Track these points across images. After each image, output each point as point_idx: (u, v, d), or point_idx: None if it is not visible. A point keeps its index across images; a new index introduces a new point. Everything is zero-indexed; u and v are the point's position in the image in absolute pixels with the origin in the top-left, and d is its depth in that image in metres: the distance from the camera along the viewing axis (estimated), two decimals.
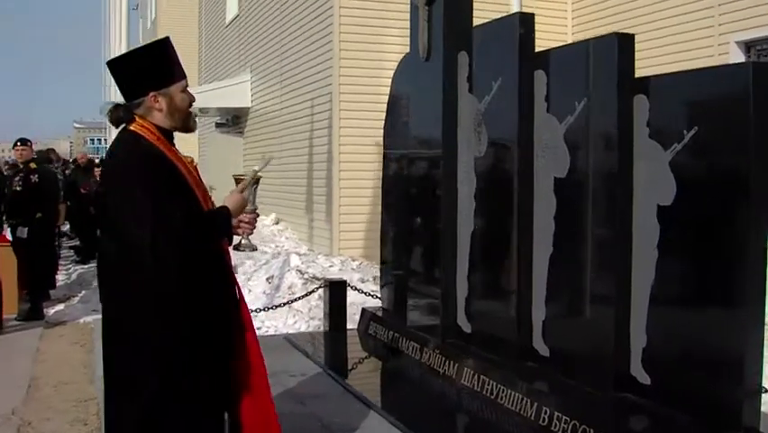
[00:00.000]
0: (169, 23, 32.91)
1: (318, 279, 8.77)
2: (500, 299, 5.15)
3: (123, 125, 3.35)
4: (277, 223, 14.23)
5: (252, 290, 9.19)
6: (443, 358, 5.44)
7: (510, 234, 4.97)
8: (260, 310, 7.78)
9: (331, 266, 9.73)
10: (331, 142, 11.57)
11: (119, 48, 8.25)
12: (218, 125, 19.03)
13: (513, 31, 4.85)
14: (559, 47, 4.90)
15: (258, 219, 3.73)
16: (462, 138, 5.49)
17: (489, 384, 4.89)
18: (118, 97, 3.53)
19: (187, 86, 3.41)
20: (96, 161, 17.52)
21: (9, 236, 9.01)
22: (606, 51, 4.26)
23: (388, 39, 10.28)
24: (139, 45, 3.52)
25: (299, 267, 9.39)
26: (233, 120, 17.89)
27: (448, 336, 5.59)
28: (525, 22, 4.83)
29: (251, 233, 3.65)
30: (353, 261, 10.30)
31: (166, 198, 3.13)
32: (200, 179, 3.51)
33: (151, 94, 3.29)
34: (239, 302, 3.60)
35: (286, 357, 6.22)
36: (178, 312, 3.19)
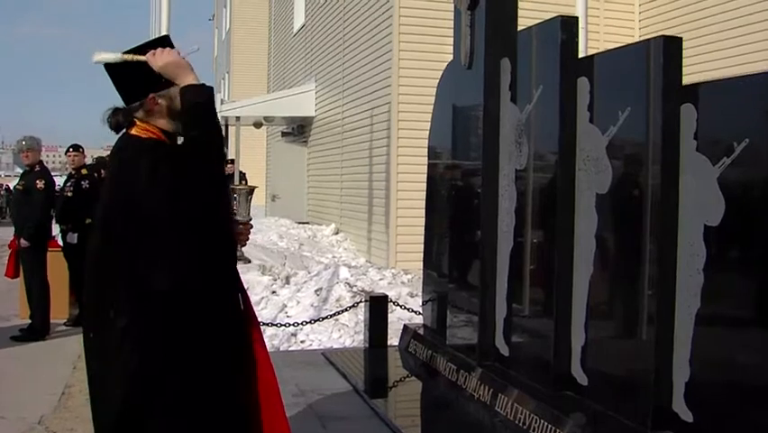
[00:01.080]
0: (242, 33, 33.39)
1: (367, 292, 8.55)
2: (538, 321, 4.83)
3: (123, 131, 3.17)
4: (336, 233, 14.11)
5: (301, 302, 9.03)
6: (479, 382, 5.13)
7: (549, 253, 4.65)
8: (305, 323, 7.59)
9: (381, 279, 9.49)
10: (389, 152, 11.39)
11: None
12: (284, 134, 19.07)
13: (554, 36, 4.54)
14: (603, 51, 4.56)
15: (251, 231, 3.50)
16: (504, 150, 5.19)
17: (521, 413, 4.56)
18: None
19: None
20: None
21: (60, 242, 9.03)
22: (650, 56, 3.92)
23: (447, 48, 9.99)
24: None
25: (348, 280, 9.18)
26: (299, 129, 17.87)
27: (485, 358, 5.28)
28: (567, 26, 4.51)
29: (244, 243, 3.44)
30: (406, 274, 10.04)
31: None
32: None
33: (151, 95, 3.09)
34: (250, 319, 3.34)
35: (319, 374, 6.00)
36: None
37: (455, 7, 5.68)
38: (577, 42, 4.54)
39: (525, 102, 4.88)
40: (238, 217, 3.38)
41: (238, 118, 17.55)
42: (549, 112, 4.61)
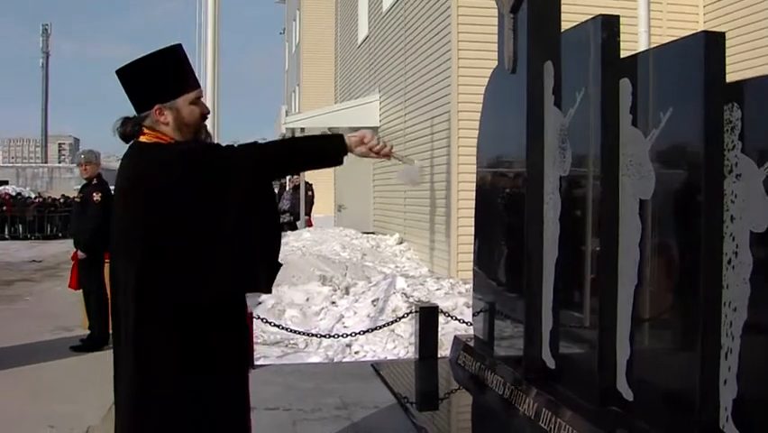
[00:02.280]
0: (311, 46, 33.66)
1: (423, 302, 8.43)
2: (583, 334, 4.64)
3: (133, 141, 3.13)
4: (400, 243, 14.02)
5: (358, 313, 8.97)
6: (524, 396, 4.96)
7: (593, 263, 4.47)
8: (358, 334, 7.52)
9: (438, 289, 9.36)
10: (450, 161, 11.28)
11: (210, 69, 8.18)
12: None
13: (595, 36, 4.37)
14: (645, 50, 4.37)
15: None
16: (548, 156, 5.02)
17: (564, 430, 4.38)
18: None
19: (199, 96, 3.12)
20: None
21: None
22: (691, 54, 3.73)
23: None
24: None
25: (405, 290, 9.07)
26: None
27: (531, 371, 5.10)
28: (609, 25, 4.32)
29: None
30: (465, 284, 9.87)
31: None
32: None
33: (156, 106, 3.04)
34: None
35: (365, 387, 5.91)
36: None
37: (498, 11, 5.55)
38: (618, 42, 4.34)
39: (569, 106, 4.72)
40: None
41: (303, 129, 17.65)
42: (591, 116, 4.43)
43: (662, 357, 4.06)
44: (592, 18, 4.42)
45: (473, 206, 10.40)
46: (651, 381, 4.09)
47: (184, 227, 2.93)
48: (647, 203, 4.09)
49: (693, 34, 3.79)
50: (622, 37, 4.39)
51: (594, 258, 4.48)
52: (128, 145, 3.13)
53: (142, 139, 3.07)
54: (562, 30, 5.02)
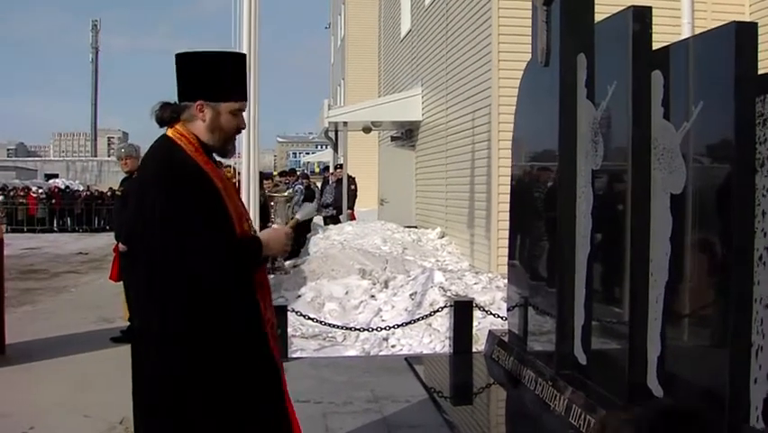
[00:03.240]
0: (356, 40, 33.71)
1: (460, 297, 8.39)
2: (615, 329, 4.58)
3: (164, 133, 3.15)
4: (442, 237, 13.97)
5: (396, 306, 8.95)
6: (555, 392, 4.93)
7: (624, 258, 4.41)
8: (394, 327, 7.51)
9: (476, 283, 9.31)
10: (490, 155, 11.20)
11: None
12: (393, 139, 19.09)
13: (626, 27, 4.31)
14: (677, 42, 4.29)
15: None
16: (581, 150, 4.97)
17: (595, 426, 4.34)
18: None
19: (241, 109, 3.13)
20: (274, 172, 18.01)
21: None
22: (722, 45, 3.66)
23: None
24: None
25: (443, 284, 9.03)
26: (407, 133, 17.84)
27: (563, 367, 5.06)
28: (640, 16, 4.26)
29: (282, 254, 3.34)
30: (504, 278, 9.81)
31: (203, 222, 2.92)
32: (238, 196, 3.25)
33: (200, 102, 3.04)
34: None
35: (397, 380, 5.91)
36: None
37: (532, 3, 5.51)
38: (650, 34, 4.28)
39: (601, 99, 4.66)
40: (274, 225, 3.33)
41: (345, 123, 17.68)
42: (622, 108, 4.38)
43: (694, 354, 4.00)
44: (624, 9, 4.36)
45: None
46: (681, 378, 4.04)
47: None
48: (678, 197, 4.03)
49: (725, 25, 3.72)
50: (664, 29, 4.35)
51: (626, 253, 4.43)
52: (160, 134, 3.15)
53: (171, 133, 3.09)
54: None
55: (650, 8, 4.32)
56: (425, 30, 15.97)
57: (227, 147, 3.16)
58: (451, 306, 6.81)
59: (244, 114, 3.17)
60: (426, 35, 15.78)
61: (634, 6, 4.29)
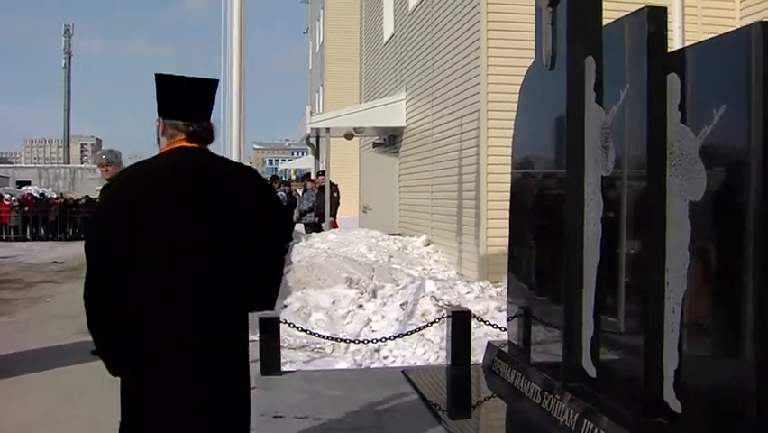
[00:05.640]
0: (335, 45, 33.60)
1: (453, 306, 8.23)
2: (627, 341, 4.42)
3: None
4: (427, 245, 13.82)
5: (386, 316, 8.78)
6: (563, 405, 4.76)
7: (639, 267, 4.26)
8: (387, 339, 7.33)
9: (468, 293, 9.15)
10: (479, 161, 11.07)
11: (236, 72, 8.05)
12: (375, 145, 18.94)
13: (640, 28, 4.16)
14: (695, 44, 4.15)
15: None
16: (589, 155, 4.81)
17: None
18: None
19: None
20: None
21: None
22: (744, 46, 3.51)
23: None
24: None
25: (434, 293, 8.87)
26: (390, 140, 17.71)
27: (570, 379, 4.89)
28: (655, 17, 4.11)
29: None
30: (495, 287, 9.67)
31: None
32: None
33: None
34: None
35: (396, 394, 5.72)
36: None
37: (536, 5, 5.35)
38: (666, 35, 4.14)
39: (612, 103, 4.51)
40: None
41: (328, 129, 17.50)
42: (636, 113, 4.23)
43: (715, 366, 3.85)
44: (638, 10, 4.21)
45: (504, 207, 10.27)
46: (701, 391, 3.88)
47: None
48: (698, 204, 3.88)
49: (747, 26, 3.58)
50: None
51: (639, 261, 4.27)
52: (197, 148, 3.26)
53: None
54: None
55: (665, 9, 4.18)
56: (408, 35, 15.83)
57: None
58: (448, 316, 6.63)
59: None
60: (410, 40, 15.65)
61: (649, 7, 4.14)
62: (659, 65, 4.11)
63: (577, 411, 4.59)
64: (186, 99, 3.25)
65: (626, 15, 4.37)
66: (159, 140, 3.31)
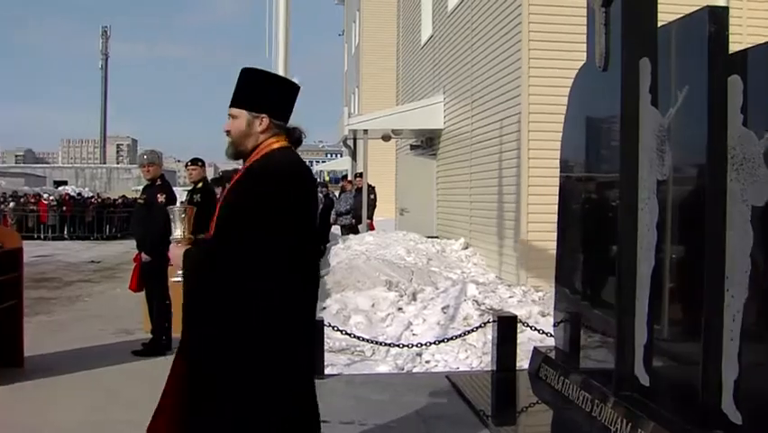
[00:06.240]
0: (371, 47, 33.59)
1: (496, 310, 8.14)
2: (684, 349, 4.31)
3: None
4: (465, 248, 13.71)
5: (427, 320, 8.70)
6: (615, 414, 4.65)
7: (697, 273, 4.15)
8: (430, 344, 7.24)
9: (511, 297, 9.05)
10: (519, 164, 10.95)
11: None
12: (413, 147, 18.86)
13: (701, 29, 4.05)
14: (758, 44, 4.03)
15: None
16: (644, 159, 4.71)
17: None
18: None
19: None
20: None
21: None
22: None
23: (579, 54, 9.53)
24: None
25: (476, 297, 8.78)
26: (428, 142, 17.62)
27: (622, 388, 4.79)
28: (717, 17, 4.01)
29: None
30: (537, 291, 9.55)
31: None
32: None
33: None
34: None
35: (442, 399, 5.67)
36: None
37: (588, 5, 5.25)
38: (727, 36, 4.03)
39: (668, 105, 4.40)
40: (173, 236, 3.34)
41: (365, 131, 17.45)
42: (696, 115, 4.12)
43: None
44: (698, 10, 4.11)
45: (545, 210, 10.19)
46: (764, 402, 3.77)
47: None
48: (761, 210, 3.76)
49: None
50: None
51: (697, 268, 4.16)
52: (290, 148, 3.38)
53: None
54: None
55: (726, 8, 4.09)
56: (447, 36, 15.74)
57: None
58: (493, 321, 6.53)
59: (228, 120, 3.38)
60: (449, 42, 15.56)
61: (710, 7, 4.03)
62: (720, 66, 4.00)
63: (629, 421, 4.48)
64: (292, 103, 3.42)
65: (685, 16, 4.26)
66: (245, 134, 3.31)
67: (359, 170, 17.91)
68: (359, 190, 17.35)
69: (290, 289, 3.15)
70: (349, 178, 19.27)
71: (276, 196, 3.12)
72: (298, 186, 3.22)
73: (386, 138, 18.10)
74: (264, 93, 3.33)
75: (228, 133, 3.34)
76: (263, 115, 3.29)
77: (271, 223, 3.07)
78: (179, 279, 3.24)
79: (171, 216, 3.32)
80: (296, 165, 3.30)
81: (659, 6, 4.81)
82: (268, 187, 3.13)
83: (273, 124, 3.32)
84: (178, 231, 3.29)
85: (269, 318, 3.11)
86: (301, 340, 3.25)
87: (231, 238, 3.10)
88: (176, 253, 3.28)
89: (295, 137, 3.37)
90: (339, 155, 52.86)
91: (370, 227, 17.24)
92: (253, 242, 3.05)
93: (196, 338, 3.21)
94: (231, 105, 3.35)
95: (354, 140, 18.77)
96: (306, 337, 3.33)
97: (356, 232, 16.70)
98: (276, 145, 3.30)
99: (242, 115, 3.30)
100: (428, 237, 14.65)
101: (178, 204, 3.33)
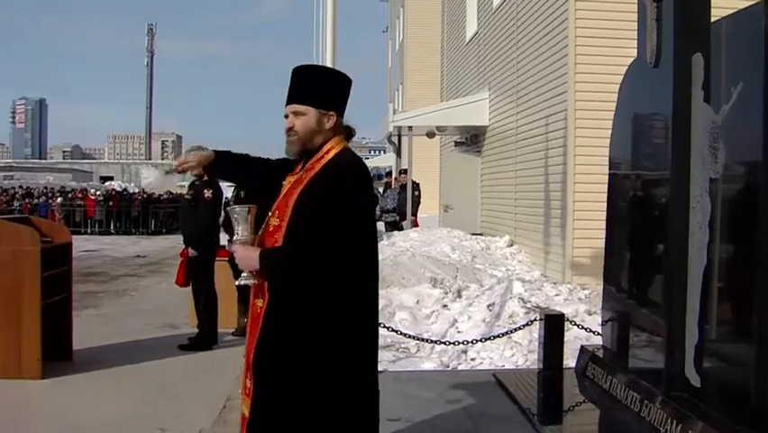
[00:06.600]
0: (415, 43, 33.57)
1: (542, 308, 8.09)
2: (736, 350, 4.25)
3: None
4: (510, 245, 13.65)
5: (472, 317, 8.67)
6: (665, 415, 4.60)
7: (751, 274, 4.08)
8: (476, 341, 7.22)
9: (557, 295, 8.99)
10: (566, 161, 10.87)
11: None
12: (457, 144, 18.82)
13: (756, 24, 3.98)
14: None
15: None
16: (696, 156, 4.64)
17: None
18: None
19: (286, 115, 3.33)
20: None
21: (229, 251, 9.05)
22: None
23: (627, 51, 9.41)
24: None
25: (522, 295, 8.73)
26: (472, 139, 17.57)
27: (672, 388, 4.73)
28: None
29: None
30: (583, 289, 9.48)
31: None
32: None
33: None
34: None
35: (488, 397, 5.65)
36: None
37: (639, 1, 5.18)
38: None
39: (722, 102, 4.33)
40: (238, 237, 3.21)
41: (410, 128, 17.45)
42: (751, 112, 4.05)
43: None
44: (753, 5, 4.04)
45: (592, 208, 10.10)
46: None
47: None
48: None
49: None
50: None
51: (750, 267, 4.10)
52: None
53: None
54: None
55: None
56: (492, 32, 15.67)
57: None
58: (540, 319, 6.50)
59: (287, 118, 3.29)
60: (494, 38, 15.49)
61: (766, 1, 3.96)
62: None
63: (679, 421, 4.43)
64: (348, 99, 3.41)
65: (740, 10, 4.20)
66: (315, 132, 3.24)
67: (403, 167, 17.91)
68: (403, 187, 17.36)
69: (372, 290, 3.19)
70: (394, 174, 19.25)
71: (360, 198, 3.13)
72: (371, 187, 3.29)
73: (430, 135, 18.09)
74: (332, 90, 3.29)
75: (290, 131, 3.25)
76: (331, 113, 3.25)
77: (359, 225, 3.08)
78: (249, 281, 3.16)
79: (234, 217, 3.21)
80: (365, 165, 3.31)
81: (712, 1, 4.75)
82: (353, 189, 3.12)
83: (340, 123, 3.29)
84: (243, 232, 3.18)
85: (352, 320, 3.12)
86: (373, 342, 3.27)
87: (324, 241, 3.02)
88: (244, 254, 3.16)
89: (351, 135, 3.35)
90: (382, 152, 52.89)
91: (415, 224, 17.24)
92: (348, 245, 3.02)
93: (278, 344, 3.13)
94: (294, 102, 3.26)
95: (399, 136, 18.78)
96: (375, 339, 3.30)
97: (400, 228, 16.71)
98: (343, 144, 3.27)
99: (310, 112, 3.23)
100: (472, 234, 14.61)
101: (234, 204, 3.23)
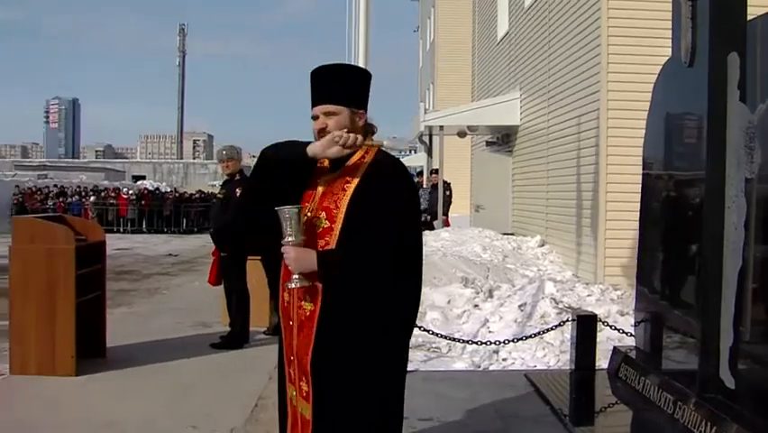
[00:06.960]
0: (446, 43, 33.54)
1: (574, 309, 8.05)
2: None
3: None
4: (542, 245, 13.61)
5: (504, 317, 8.65)
6: (699, 417, 4.56)
7: None
8: (508, 341, 7.20)
9: (589, 295, 8.94)
10: (598, 161, 10.81)
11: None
12: (488, 144, 18.78)
13: None
14: None
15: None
16: (731, 156, 4.60)
17: None
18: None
19: (314, 116, 3.26)
20: None
21: None
22: None
23: (660, 50, 9.34)
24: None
25: (554, 295, 8.70)
26: (503, 138, 17.53)
27: (707, 390, 4.68)
28: None
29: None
30: (616, 290, 9.42)
31: None
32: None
33: None
34: None
35: (520, 398, 5.65)
36: None
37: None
38: None
39: (758, 101, 4.30)
40: (290, 239, 3.05)
41: (441, 128, 17.44)
42: None
43: None
44: None
45: (624, 209, 10.04)
46: None
47: None
48: None
49: None
50: None
51: None
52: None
53: None
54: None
55: None
56: (524, 32, 15.63)
57: None
58: (573, 320, 6.47)
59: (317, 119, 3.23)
60: (526, 37, 15.44)
61: None
62: None
63: (713, 423, 4.39)
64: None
65: None
66: (348, 131, 3.15)
67: (434, 167, 17.91)
68: (434, 187, 17.36)
69: (418, 288, 3.18)
70: (424, 174, 19.26)
71: (414, 195, 3.18)
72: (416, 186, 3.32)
73: (461, 134, 18.06)
74: (359, 88, 3.27)
75: (323, 131, 3.16)
76: (362, 111, 3.24)
77: (414, 223, 3.12)
78: (300, 284, 3.05)
79: (285, 217, 3.12)
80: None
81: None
82: (409, 188, 3.16)
83: (366, 120, 3.27)
84: (292, 233, 3.05)
85: (402, 318, 3.14)
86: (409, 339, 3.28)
87: (385, 241, 2.99)
88: (300, 256, 3.03)
89: (374, 132, 3.31)
90: (413, 151, 52.86)
91: (446, 224, 17.23)
92: (401, 244, 3.01)
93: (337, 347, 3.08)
94: (326, 102, 3.19)
95: (430, 136, 18.77)
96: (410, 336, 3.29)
97: (432, 228, 16.71)
98: (377, 145, 3.25)
99: (343, 111, 3.18)
100: (504, 234, 14.57)
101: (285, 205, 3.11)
